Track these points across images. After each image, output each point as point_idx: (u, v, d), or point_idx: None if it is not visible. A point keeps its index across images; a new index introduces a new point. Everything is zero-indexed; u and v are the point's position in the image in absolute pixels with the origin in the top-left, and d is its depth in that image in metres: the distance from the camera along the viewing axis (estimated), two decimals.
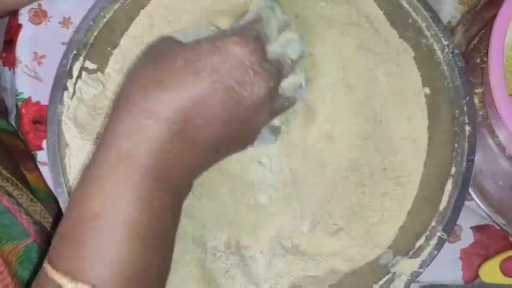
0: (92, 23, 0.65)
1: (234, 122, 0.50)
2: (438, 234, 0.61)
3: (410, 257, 0.62)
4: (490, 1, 0.70)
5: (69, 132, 0.64)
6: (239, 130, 0.52)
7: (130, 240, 0.45)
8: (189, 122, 0.48)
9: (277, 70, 0.53)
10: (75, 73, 0.65)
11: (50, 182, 0.72)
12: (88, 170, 0.48)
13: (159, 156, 0.47)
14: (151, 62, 0.49)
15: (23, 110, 0.73)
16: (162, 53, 0.50)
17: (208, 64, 0.48)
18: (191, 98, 0.47)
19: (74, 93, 0.65)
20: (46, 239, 0.65)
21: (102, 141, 0.48)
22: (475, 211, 0.69)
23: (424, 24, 0.65)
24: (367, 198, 0.64)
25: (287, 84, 0.57)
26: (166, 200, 0.48)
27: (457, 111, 0.63)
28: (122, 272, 0.45)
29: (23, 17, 0.74)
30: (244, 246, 0.63)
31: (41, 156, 0.73)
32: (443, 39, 0.64)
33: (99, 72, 0.67)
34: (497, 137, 0.67)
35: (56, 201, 0.71)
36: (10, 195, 0.64)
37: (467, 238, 0.70)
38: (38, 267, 0.61)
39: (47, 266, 0.46)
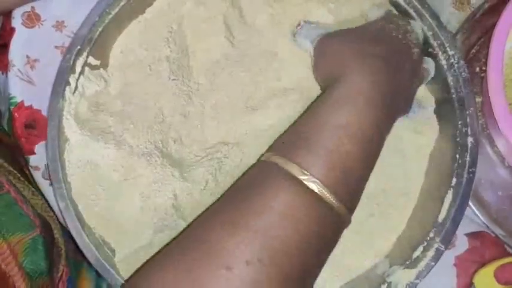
0: (97, 18, 0.65)
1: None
2: (436, 245, 0.61)
3: (406, 267, 0.62)
4: (489, 10, 0.70)
5: (70, 128, 0.64)
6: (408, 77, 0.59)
7: (357, 150, 0.52)
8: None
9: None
10: (78, 68, 0.65)
11: (41, 185, 0.72)
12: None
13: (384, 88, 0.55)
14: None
15: (16, 114, 0.72)
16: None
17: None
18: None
19: (76, 88, 0.65)
20: (47, 231, 0.65)
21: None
22: (470, 218, 0.69)
23: (430, 33, 0.64)
24: (367, 208, 0.64)
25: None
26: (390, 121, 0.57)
27: (460, 122, 0.62)
28: (338, 176, 0.51)
29: (16, 21, 0.74)
30: None
31: (34, 160, 0.73)
32: (448, 49, 0.63)
33: (102, 69, 0.67)
34: (496, 146, 0.67)
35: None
36: (15, 186, 0.63)
37: (462, 245, 0.70)
38: (48, 260, 0.61)
39: (275, 158, 0.52)
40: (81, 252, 0.62)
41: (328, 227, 0.50)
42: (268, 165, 0.52)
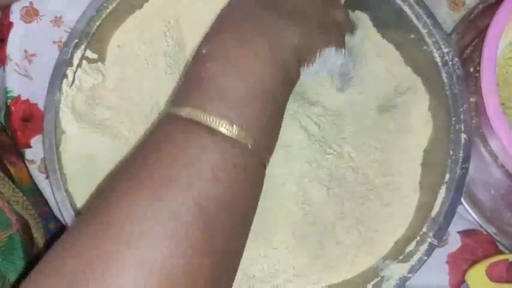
0: (94, 13, 0.66)
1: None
2: (429, 240, 0.61)
3: (399, 262, 0.62)
4: (484, 11, 0.71)
5: (66, 120, 0.65)
6: (323, 16, 0.58)
7: (255, 90, 0.49)
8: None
9: None
10: (75, 62, 0.66)
11: (37, 178, 0.72)
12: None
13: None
14: None
15: (12, 107, 0.73)
16: None
17: None
18: None
19: (73, 81, 0.66)
20: (25, 230, 0.64)
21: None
22: (463, 216, 0.70)
23: (425, 31, 0.65)
24: (369, 212, 0.64)
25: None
26: (276, 69, 0.51)
27: (453, 119, 0.63)
28: (247, 116, 0.47)
29: (15, 15, 0.74)
30: None
31: (29, 154, 0.73)
32: (443, 47, 0.64)
33: (99, 62, 0.67)
34: (489, 145, 0.67)
35: (41, 195, 0.71)
36: None
37: (454, 242, 0.70)
38: (25, 259, 0.60)
39: (173, 108, 0.48)
40: None
41: (249, 169, 0.47)
42: (169, 119, 0.48)
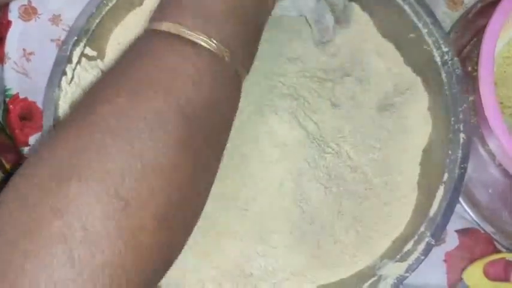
0: (94, 10, 0.66)
1: None
2: (426, 239, 0.61)
3: (397, 261, 0.62)
4: (482, 10, 0.71)
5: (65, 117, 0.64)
6: None
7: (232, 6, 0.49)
8: None
9: None
10: (74, 59, 0.65)
11: None
12: None
13: None
14: None
15: (11, 105, 0.73)
16: None
17: None
18: None
19: (73, 78, 0.65)
20: None
21: None
22: (461, 215, 0.70)
23: (425, 30, 0.65)
24: (367, 211, 0.64)
25: None
26: None
27: (453, 119, 0.63)
28: (224, 29, 0.48)
29: (13, 14, 0.74)
30: None
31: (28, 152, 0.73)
32: (443, 46, 0.64)
33: (98, 60, 0.67)
34: (487, 145, 0.67)
35: None
36: None
37: (452, 241, 0.70)
38: None
39: (152, 24, 0.49)
40: None
41: (226, 80, 0.49)
42: (149, 33, 0.49)
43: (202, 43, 0.46)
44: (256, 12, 0.53)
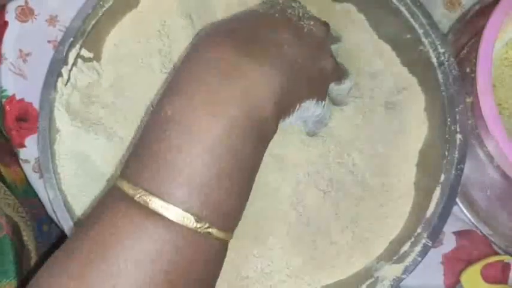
0: (90, 11, 0.66)
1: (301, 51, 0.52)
2: (423, 241, 0.61)
3: (394, 263, 0.61)
4: (480, 11, 0.71)
5: (61, 119, 0.64)
6: (308, 65, 0.53)
7: (218, 164, 0.44)
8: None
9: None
10: (70, 60, 0.65)
11: (31, 178, 0.72)
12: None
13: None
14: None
15: (7, 107, 0.73)
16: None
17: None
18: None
19: (69, 80, 0.65)
20: (16, 233, 0.64)
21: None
22: (458, 216, 0.70)
23: (422, 31, 0.65)
24: (364, 212, 0.64)
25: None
26: (249, 131, 0.46)
27: (449, 120, 0.63)
28: (205, 197, 0.43)
29: (10, 15, 0.74)
30: None
31: (24, 153, 0.73)
32: (439, 47, 0.64)
33: (94, 61, 0.67)
34: (485, 147, 0.67)
35: (35, 196, 0.70)
36: None
37: (449, 243, 0.70)
38: (17, 263, 0.60)
39: (122, 183, 0.44)
40: None
41: (207, 256, 0.45)
42: (117, 195, 0.45)
43: (181, 221, 0.42)
44: (253, 155, 0.48)
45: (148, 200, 0.42)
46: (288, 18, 0.54)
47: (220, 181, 0.44)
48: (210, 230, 0.44)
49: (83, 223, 0.45)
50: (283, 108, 0.50)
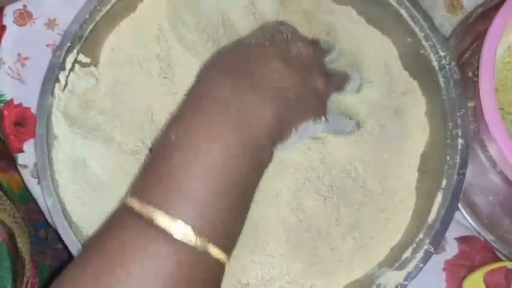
0: (87, 16, 0.65)
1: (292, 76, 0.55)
2: (425, 247, 0.60)
3: (395, 269, 0.61)
4: (482, 15, 0.70)
5: (59, 125, 0.64)
6: (299, 88, 0.56)
7: (217, 184, 0.48)
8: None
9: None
10: (68, 66, 0.65)
11: (29, 184, 0.72)
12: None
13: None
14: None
15: (5, 111, 0.72)
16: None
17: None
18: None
19: (66, 85, 0.65)
20: (11, 239, 0.64)
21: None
22: (460, 222, 0.69)
23: (422, 34, 0.64)
24: (365, 218, 0.63)
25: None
26: (246, 156, 0.50)
27: (450, 124, 0.62)
28: (206, 215, 0.47)
29: (8, 18, 0.74)
30: None
31: (22, 158, 0.72)
32: (440, 51, 0.63)
33: (92, 66, 0.66)
34: (488, 151, 0.67)
35: (33, 202, 0.70)
36: None
37: (451, 249, 0.70)
38: (13, 271, 0.60)
39: (132, 201, 0.47)
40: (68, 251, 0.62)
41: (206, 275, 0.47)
42: (125, 211, 0.48)
43: (185, 240, 0.45)
44: (250, 179, 0.51)
45: (153, 216, 0.45)
46: (277, 46, 0.57)
47: (219, 200, 0.48)
48: (209, 247, 0.46)
49: (93, 238, 0.49)
50: (278, 135, 0.54)
